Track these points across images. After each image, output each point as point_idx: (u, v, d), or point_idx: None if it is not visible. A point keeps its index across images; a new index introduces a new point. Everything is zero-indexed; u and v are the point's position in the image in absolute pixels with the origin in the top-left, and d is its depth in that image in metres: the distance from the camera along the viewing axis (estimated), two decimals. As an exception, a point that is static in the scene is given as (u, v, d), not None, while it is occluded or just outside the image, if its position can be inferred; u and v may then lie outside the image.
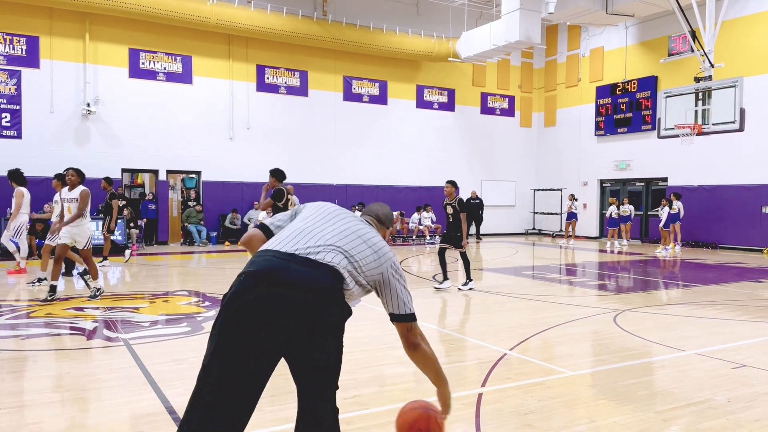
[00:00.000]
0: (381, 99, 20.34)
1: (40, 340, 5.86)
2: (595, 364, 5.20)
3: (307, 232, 2.23)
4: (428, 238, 18.88)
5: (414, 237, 19.17)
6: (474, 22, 20.76)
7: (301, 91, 18.89)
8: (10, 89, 15.00)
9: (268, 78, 18.34)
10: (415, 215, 19.39)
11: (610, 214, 18.54)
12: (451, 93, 21.78)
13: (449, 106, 21.71)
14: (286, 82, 18.63)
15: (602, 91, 20.92)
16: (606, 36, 20.94)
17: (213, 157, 17.52)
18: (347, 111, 19.68)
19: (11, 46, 15.01)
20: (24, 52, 15.15)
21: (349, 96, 19.75)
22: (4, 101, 14.96)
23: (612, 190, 21.10)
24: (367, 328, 6.34)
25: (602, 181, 21.47)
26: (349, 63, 19.57)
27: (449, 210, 9.25)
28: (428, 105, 21.32)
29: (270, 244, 2.21)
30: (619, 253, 16.34)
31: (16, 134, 15.08)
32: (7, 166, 14.59)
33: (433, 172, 20.85)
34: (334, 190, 19.30)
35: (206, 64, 17.41)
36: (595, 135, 21.22)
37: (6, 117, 14.98)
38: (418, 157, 20.81)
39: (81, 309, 7.33)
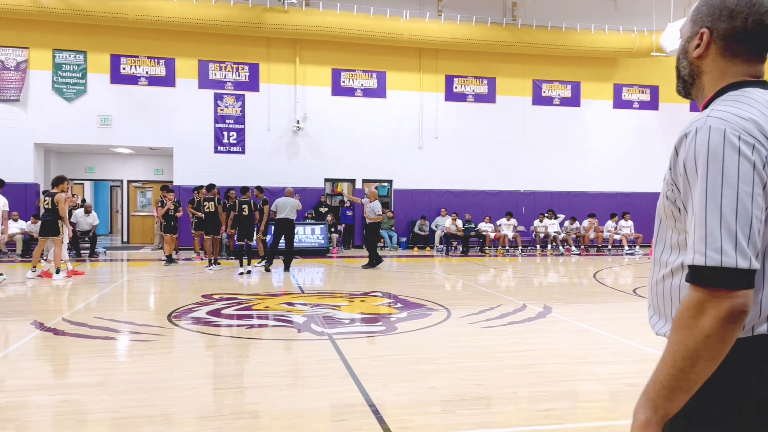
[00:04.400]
0: (573, 101, 19.42)
1: (260, 330, 6.69)
2: None
3: None
4: (626, 248, 17.42)
5: (610, 247, 17.84)
6: (682, 12, 18.78)
7: (489, 98, 18.87)
8: (236, 111, 17.41)
9: (456, 87, 18.66)
10: (610, 223, 18.03)
11: None
12: (654, 90, 19.94)
13: (652, 104, 19.91)
14: (473, 90, 18.76)
15: None
16: None
17: (403, 166, 18.33)
18: (536, 115, 19.15)
19: (237, 73, 17.42)
20: (247, 78, 17.48)
21: (539, 100, 19.20)
22: (232, 122, 17.41)
23: None
24: (559, 340, 6.10)
25: None
26: (538, 66, 19.03)
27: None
28: (627, 104, 19.79)
29: None
30: None
31: (240, 150, 17.45)
32: (233, 178, 16.90)
33: (632, 177, 19.29)
34: (521, 197, 18.90)
35: (398, 78, 18.31)
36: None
37: (233, 135, 17.42)
38: (614, 161, 19.42)
39: (292, 304, 8.21)
